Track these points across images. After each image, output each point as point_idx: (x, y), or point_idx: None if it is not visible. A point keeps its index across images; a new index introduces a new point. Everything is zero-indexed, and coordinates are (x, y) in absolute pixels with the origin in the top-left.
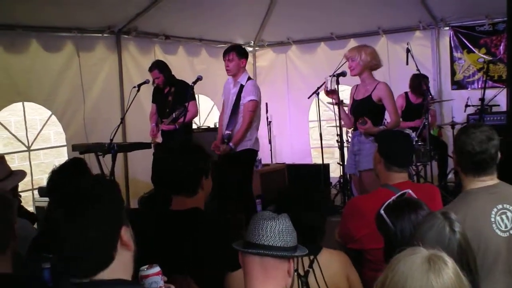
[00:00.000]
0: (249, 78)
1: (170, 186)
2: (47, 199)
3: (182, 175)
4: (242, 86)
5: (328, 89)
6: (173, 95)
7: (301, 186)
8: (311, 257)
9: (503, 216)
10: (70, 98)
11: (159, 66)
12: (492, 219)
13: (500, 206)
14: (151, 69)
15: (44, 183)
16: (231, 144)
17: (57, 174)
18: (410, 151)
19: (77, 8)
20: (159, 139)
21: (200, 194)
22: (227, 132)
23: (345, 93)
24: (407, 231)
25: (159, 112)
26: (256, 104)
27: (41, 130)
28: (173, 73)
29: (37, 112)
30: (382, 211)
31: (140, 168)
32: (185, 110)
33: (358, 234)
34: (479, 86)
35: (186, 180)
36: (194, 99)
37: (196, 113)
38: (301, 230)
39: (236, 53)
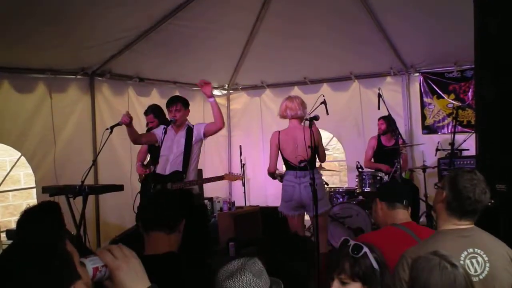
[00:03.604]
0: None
1: (154, 219)
2: None
3: (168, 210)
4: (190, 129)
5: None
6: None
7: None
8: None
9: (473, 261)
10: (40, 140)
11: (155, 111)
12: (462, 262)
13: (470, 250)
14: (146, 113)
15: (12, 225)
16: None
17: (26, 218)
18: (404, 187)
19: (51, 50)
20: None
21: (177, 236)
22: (182, 169)
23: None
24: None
25: (153, 154)
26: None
27: (10, 171)
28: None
29: (6, 154)
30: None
31: (111, 211)
32: None
33: None
34: (449, 131)
35: (169, 218)
36: None
37: None
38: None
39: (182, 104)
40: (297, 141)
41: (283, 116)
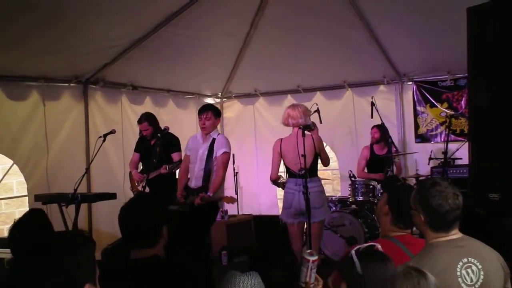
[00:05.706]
0: (219, 133)
1: (134, 240)
2: (7, 250)
3: (144, 230)
4: (214, 140)
5: None
6: (160, 146)
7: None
8: None
9: (469, 270)
10: (33, 148)
11: (149, 119)
12: (458, 273)
13: (465, 260)
14: (140, 121)
15: (4, 234)
16: (209, 193)
17: (18, 227)
18: None
19: (44, 57)
20: (140, 188)
21: (162, 241)
22: (202, 184)
23: None
24: (376, 277)
25: (145, 162)
26: (228, 156)
27: (2, 179)
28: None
29: None
30: (353, 253)
31: (104, 219)
32: (178, 163)
33: None
34: (442, 140)
35: (148, 234)
36: (180, 150)
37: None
38: None
39: (213, 113)
40: (298, 148)
41: (285, 123)
